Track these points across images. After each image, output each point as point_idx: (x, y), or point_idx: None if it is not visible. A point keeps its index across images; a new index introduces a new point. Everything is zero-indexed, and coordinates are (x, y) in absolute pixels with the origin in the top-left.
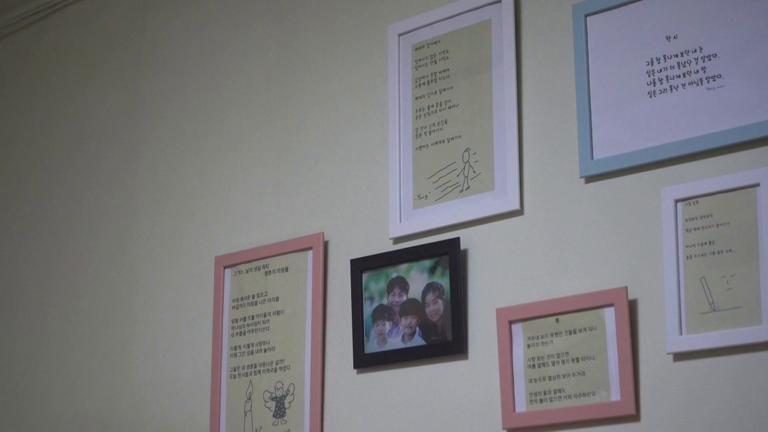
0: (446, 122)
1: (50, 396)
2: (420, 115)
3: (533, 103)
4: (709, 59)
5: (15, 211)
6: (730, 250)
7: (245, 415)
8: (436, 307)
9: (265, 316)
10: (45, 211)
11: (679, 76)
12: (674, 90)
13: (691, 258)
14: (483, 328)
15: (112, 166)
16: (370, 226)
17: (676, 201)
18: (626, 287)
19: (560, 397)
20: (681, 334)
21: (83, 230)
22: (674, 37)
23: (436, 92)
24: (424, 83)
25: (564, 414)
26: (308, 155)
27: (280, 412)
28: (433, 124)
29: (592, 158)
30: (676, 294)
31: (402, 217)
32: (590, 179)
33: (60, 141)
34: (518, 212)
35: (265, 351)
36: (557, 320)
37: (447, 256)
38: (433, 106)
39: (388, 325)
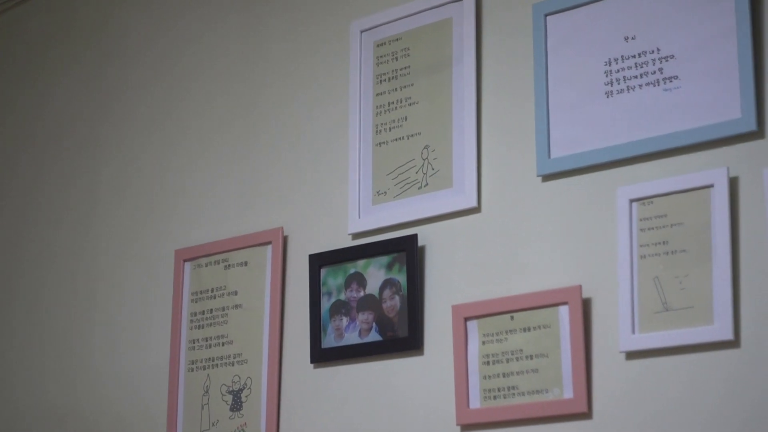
0: (406, 119)
1: (9, 387)
2: (380, 112)
3: (492, 101)
4: (667, 60)
5: None
6: (684, 251)
7: (202, 408)
8: (393, 303)
9: (223, 310)
10: (2, 204)
11: (636, 77)
12: (631, 90)
13: (645, 257)
14: (439, 324)
15: (72, 158)
16: (330, 222)
17: (631, 201)
18: (580, 286)
19: (514, 394)
20: (633, 332)
21: (42, 222)
22: (632, 38)
23: (396, 89)
24: (385, 80)
25: (517, 411)
26: (269, 150)
27: (237, 405)
28: (393, 121)
29: (550, 157)
30: (630, 293)
31: (361, 213)
32: (547, 178)
33: (18, 132)
34: (476, 210)
35: (223, 345)
36: (512, 318)
37: (404, 252)
38: (393, 102)
39: (345, 320)
